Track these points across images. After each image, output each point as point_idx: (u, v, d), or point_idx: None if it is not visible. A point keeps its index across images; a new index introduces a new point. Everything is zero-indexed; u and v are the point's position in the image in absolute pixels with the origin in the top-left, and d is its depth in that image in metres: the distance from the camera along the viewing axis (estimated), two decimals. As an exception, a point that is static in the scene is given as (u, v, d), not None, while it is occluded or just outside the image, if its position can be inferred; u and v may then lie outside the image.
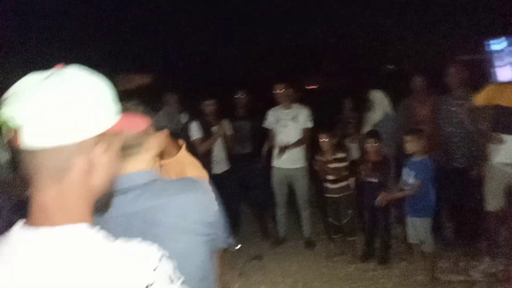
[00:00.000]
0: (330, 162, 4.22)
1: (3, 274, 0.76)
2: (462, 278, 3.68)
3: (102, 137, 0.80)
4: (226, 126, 4.58)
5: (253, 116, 4.79)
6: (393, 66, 10.39)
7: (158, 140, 1.34)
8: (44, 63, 0.93)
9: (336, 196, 4.27)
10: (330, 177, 4.24)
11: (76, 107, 0.75)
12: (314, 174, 4.53)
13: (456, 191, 4.09)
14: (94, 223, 0.81)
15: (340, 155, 4.26)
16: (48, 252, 0.75)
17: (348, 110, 5.36)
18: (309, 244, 4.61)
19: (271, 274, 4.04)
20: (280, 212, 4.70)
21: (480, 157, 3.82)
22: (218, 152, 4.61)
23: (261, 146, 4.79)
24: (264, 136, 4.74)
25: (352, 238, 4.34)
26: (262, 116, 4.68)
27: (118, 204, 0.98)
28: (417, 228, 3.61)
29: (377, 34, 8.60)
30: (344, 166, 4.25)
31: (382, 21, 8.21)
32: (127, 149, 1.21)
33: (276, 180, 4.62)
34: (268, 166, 4.66)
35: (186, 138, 4.57)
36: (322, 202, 4.68)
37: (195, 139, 4.53)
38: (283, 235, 4.74)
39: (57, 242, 0.75)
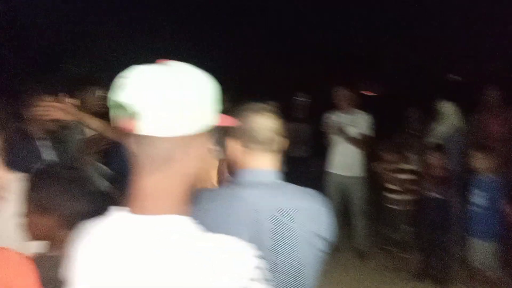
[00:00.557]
0: (394, 171, 4.08)
1: (104, 259, 0.79)
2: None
3: (204, 132, 0.83)
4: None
5: (312, 119, 4.70)
6: (457, 77, 9.93)
7: (284, 143, 1.38)
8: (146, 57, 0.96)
9: (396, 208, 4.12)
10: (392, 187, 4.09)
11: (191, 101, 0.78)
12: (372, 182, 4.40)
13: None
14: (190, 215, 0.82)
15: (405, 166, 4.11)
16: (153, 240, 0.76)
17: (413, 120, 5.12)
18: (361, 255, 4.48)
19: (322, 285, 3.95)
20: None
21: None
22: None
23: (318, 150, 4.69)
24: (321, 140, 4.63)
25: (405, 255, 4.17)
26: (320, 119, 4.59)
27: (246, 197, 1.06)
28: (483, 251, 3.41)
29: (442, 42, 8.26)
30: (409, 179, 4.08)
31: (447, 29, 7.87)
32: (260, 144, 1.27)
33: (330, 186, 4.52)
34: (323, 172, 4.57)
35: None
36: (378, 211, 4.53)
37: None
38: (334, 244, 4.62)
39: (163, 230, 0.77)
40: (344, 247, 4.66)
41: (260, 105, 1.34)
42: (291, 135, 4.78)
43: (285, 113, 4.85)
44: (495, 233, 3.38)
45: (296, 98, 4.73)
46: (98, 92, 3.36)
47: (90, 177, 1.51)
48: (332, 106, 4.51)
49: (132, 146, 0.80)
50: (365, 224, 4.55)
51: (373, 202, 4.77)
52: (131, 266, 0.76)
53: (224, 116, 0.91)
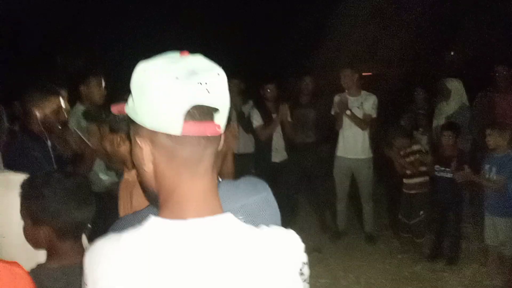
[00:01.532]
0: (407, 156, 4.00)
1: (157, 274, 0.69)
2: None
3: None
4: (285, 112, 4.40)
5: (318, 104, 4.60)
6: (453, 53, 9.85)
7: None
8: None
9: (412, 192, 4.04)
10: (407, 172, 4.02)
11: (228, 98, 0.76)
12: (380, 165, 4.33)
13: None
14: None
15: (415, 147, 4.04)
16: (207, 245, 0.72)
17: (420, 100, 5.03)
18: (371, 239, 4.42)
19: (332, 268, 3.90)
20: (341, 204, 4.54)
21: None
22: (277, 140, 4.49)
23: (325, 135, 4.60)
24: (329, 124, 4.54)
25: (420, 240, 4.11)
26: (327, 104, 4.50)
27: None
28: (497, 228, 3.34)
29: (437, 19, 8.15)
30: (420, 160, 4.00)
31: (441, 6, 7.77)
32: None
33: (338, 170, 4.46)
34: (331, 156, 4.50)
35: (250, 125, 4.50)
36: (392, 197, 4.46)
37: (256, 127, 4.45)
38: (343, 228, 4.58)
39: (214, 233, 0.73)
40: (352, 231, 4.61)
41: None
42: (297, 120, 4.70)
43: (292, 98, 4.78)
44: (509, 209, 3.31)
45: (303, 82, 4.61)
46: (101, 83, 3.33)
47: (89, 183, 1.42)
48: (338, 90, 4.43)
49: (182, 148, 0.72)
50: (374, 207, 4.48)
51: (385, 185, 4.71)
52: (190, 277, 0.70)
53: None
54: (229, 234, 0.73)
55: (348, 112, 4.24)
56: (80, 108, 3.24)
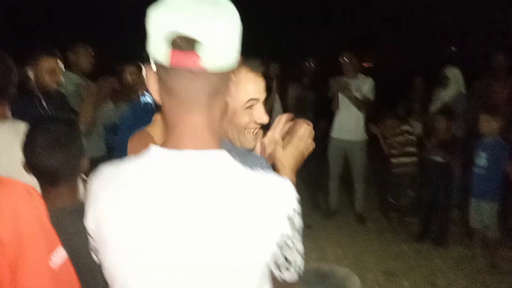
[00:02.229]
0: (395, 135, 4.09)
1: (151, 197, 0.75)
2: (524, 269, 3.50)
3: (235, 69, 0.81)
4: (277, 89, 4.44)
5: (318, 85, 4.66)
6: (456, 48, 9.88)
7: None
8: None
9: (398, 172, 4.14)
10: (394, 152, 4.11)
11: (238, 33, 0.76)
12: (373, 148, 4.41)
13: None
14: None
15: (404, 128, 4.12)
16: (198, 175, 0.75)
17: (419, 88, 5.12)
18: (361, 219, 4.52)
19: (322, 244, 4.00)
20: (333, 184, 4.62)
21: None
22: (276, 117, 4.54)
23: (323, 115, 4.67)
24: (327, 105, 4.61)
25: (408, 220, 4.22)
26: (324, 86, 4.56)
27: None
28: (483, 212, 3.44)
29: (440, 14, 8.17)
30: (409, 140, 4.09)
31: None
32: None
33: (332, 151, 4.53)
34: (326, 137, 4.57)
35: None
36: (381, 178, 4.56)
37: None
38: (334, 207, 4.67)
39: (207, 165, 0.76)
40: (343, 210, 4.71)
41: (250, 62, 1.25)
42: (297, 101, 4.74)
43: (291, 79, 4.81)
44: (497, 193, 3.41)
45: (304, 63, 4.66)
46: (89, 51, 3.34)
47: (77, 129, 1.41)
48: (337, 73, 4.48)
49: (173, 81, 0.74)
50: (365, 188, 4.57)
51: (376, 167, 4.80)
52: (176, 201, 0.74)
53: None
54: (220, 168, 0.76)
55: (351, 94, 4.29)
56: (68, 74, 3.22)
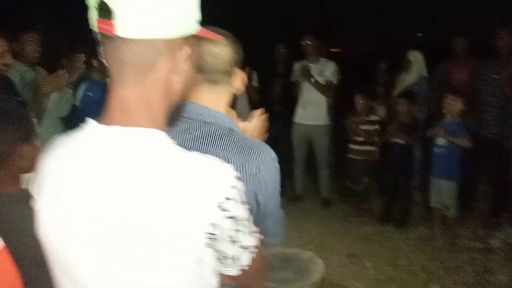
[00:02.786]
0: (363, 123, 4.12)
1: (76, 169, 0.73)
2: (481, 245, 3.62)
3: (187, 41, 0.76)
4: (252, 77, 4.41)
5: (287, 72, 4.64)
6: (421, 34, 10.07)
7: (240, 82, 1.20)
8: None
9: (358, 158, 4.19)
10: (359, 139, 4.15)
11: (170, 1, 0.71)
12: (337, 133, 4.43)
13: (484, 160, 3.95)
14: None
15: (373, 117, 4.16)
16: (124, 152, 0.71)
17: (381, 72, 5.17)
18: (326, 203, 4.56)
19: (286, 229, 3.99)
20: (298, 169, 4.64)
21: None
22: (242, 103, 4.51)
23: (287, 102, 4.65)
24: (290, 91, 4.59)
25: (365, 206, 4.29)
26: (288, 73, 4.55)
27: (175, 133, 0.82)
28: (442, 191, 3.52)
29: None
30: (375, 130, 4.14)
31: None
32: (209, 74, 1.11)
33: (296, 136, 4.53)
34: (289, 122, 4.56)
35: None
36: (341, 162, 4.60)
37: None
38: (299, 193, 4.69)
39: (135, 143, 0.72)
40: (308, 196, 4.73)
41: (219, 30, 1.11)
42: (266, 87, 4.65)
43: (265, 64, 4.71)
44: (455, 173, 3.49)
45: (276, 49, 4.62)
46: (36, 41, 3.17)
47: (23, 109, 1.35)
48: (300, 58, 4.47)
49: (105, 52, 0.72)
50: (330, 173, 4.60)
51: (339, 153, 4.84)
52: (101, 179, 0.71)
53: (204, 28, 0.81)
54: (147, 148, 0.72)
55: (312, 79, 4.29)
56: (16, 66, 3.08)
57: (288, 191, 4.77)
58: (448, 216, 3.60)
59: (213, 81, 1.13)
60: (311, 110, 4.38)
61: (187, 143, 1.03)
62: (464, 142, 3.40)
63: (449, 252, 3.54)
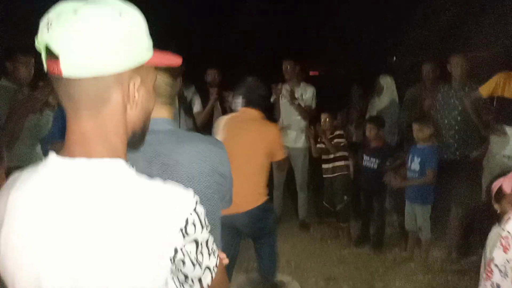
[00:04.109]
0: (329, 140, 4.20)
1: (37, 203, 0.74)
2: (455, 267, 3.69)
3: (138, 71, 0.78)
4: (215, 97, 4.40)
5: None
6: (395, 58, 10.35)
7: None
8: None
9: (332, 175, 4.24)
10: (328, 157, 4.22)
11: (113, 37, 0.72)
12: (313, 157, 4.50)
13: (447, 183, 4.03)
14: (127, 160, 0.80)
15: (338, 132, 4.24)
16: (84, 183, 0.73)
17: (356, 97, 5.30)
18: (304, 226, 4.59)
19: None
20: (277, 192, 4.67)
21: (478, 149, 3.77)
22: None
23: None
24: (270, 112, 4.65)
25: (344, 225, 4.34)
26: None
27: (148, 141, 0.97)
28: (416, 214, 3.60)
29: (379, 27, 8.53)
30: (342, 144, 4.20)
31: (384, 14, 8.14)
32: (160, 97, 1.28)
33: (275, 158, 4.57)
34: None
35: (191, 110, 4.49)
36: (317, 184, 4.65)
37: (195, 113, 4.45)
38: (278, 214, 4.70)
39: (95, 174, 0.74)
40: (286, 218, 4.75)
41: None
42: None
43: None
44: (429, 197, 3.59)
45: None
46: (30, 62, 3.14)
47: None
48: (280, 80, 4.55)
49: (57, 89, 0.75)
50: (308, 195, 4.65)
51: (314, 174, 4.90)
52: (60, 212, 0.72)
53: (159, 52, 0.83)
54: (106, 179, 0.73)
55: (296, 101, 4.35)
56: (3, 83, 3.03)
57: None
58: (422, 239, 3.67)
59: (164, 103, 1.36)
60: (290, 133, 4.44)
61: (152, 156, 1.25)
62: (429, 177, 3.52)
63: (423, 274, 3.60)
